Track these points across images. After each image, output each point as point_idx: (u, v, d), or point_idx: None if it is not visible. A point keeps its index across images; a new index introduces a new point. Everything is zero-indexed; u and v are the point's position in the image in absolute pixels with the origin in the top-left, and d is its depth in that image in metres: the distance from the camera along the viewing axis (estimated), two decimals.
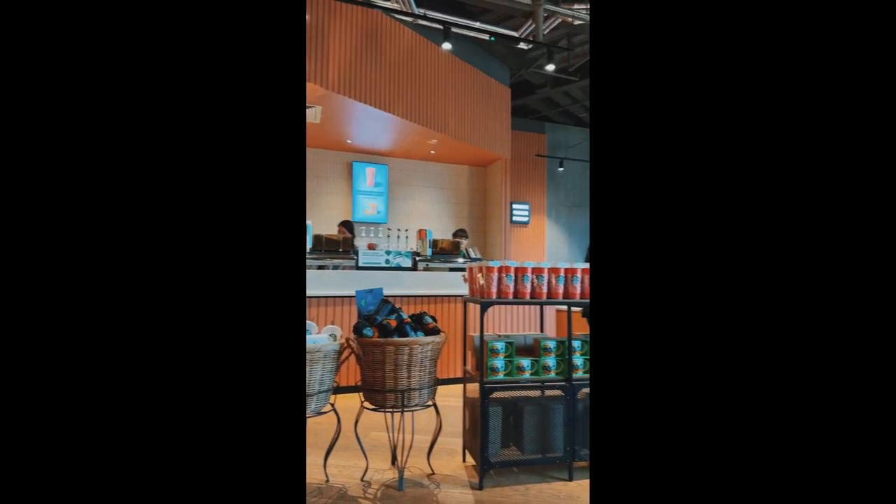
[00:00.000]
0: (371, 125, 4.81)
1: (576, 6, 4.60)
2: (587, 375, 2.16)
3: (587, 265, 2.21)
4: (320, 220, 5.60)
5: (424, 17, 4.39)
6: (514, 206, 7.12)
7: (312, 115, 4.51)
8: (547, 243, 7.54)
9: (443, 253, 4.76)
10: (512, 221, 7.03)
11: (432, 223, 6.03)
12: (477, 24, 4.79)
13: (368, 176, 5.86)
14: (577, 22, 4.69)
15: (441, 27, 4.15)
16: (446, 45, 4.19)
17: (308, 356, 1.75)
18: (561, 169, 7.64)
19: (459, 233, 5.40)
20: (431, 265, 4.60)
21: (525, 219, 7.28)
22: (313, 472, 2.05)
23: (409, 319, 2.06)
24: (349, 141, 5.39)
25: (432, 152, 5.71)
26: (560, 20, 4.75)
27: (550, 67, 4.84)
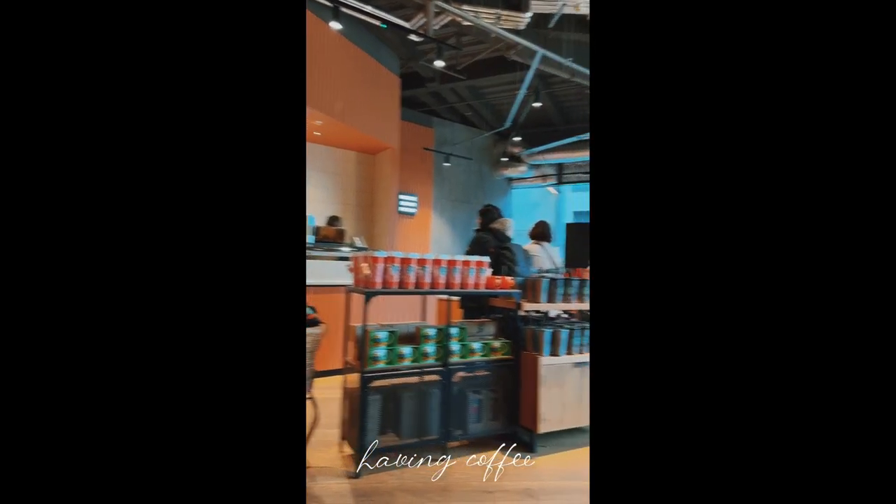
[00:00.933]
0: None
1: (465, 7, 4.77)
2: (463, 360, 2.31)
3: (469, 258, 2.35)
4: None
5: None
6: (402, 196, 7.17)
7: None
8: (432, 234, 7.76)
9: (326, 241, 4.59)
10: (399, 211, 7.07)
11: (317, 209, 5.75)
12: (368, 8, 4.68)
13: None
14: (465, 22, 4.87)
15: (330, 4, 3.95)
16: (335, 25, 4.00)
17: None
18: (447, 164, 7.90)
19: (333, 220, 5.23)
20: (314, 254, 4.40)
21: (412, 210, 7.39)
22: None
23: None
24: None
25: (317, 133, 5.43)
26: (450, 18, 4.89)
27: (440, 63, 4.95)
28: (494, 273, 2.61)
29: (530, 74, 5.58)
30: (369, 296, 2.08)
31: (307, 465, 2.07)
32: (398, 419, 2.20)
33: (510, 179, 9.62)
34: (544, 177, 9.58)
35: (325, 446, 2.29)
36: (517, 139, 8.23)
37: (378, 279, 2.10)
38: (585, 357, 2.45)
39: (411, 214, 7.41)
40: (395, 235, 6.00)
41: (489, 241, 2.96)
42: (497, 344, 2.42)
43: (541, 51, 4.88)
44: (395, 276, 2.14)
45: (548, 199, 9.91)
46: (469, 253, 2.88)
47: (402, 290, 2.17)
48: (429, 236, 7.69)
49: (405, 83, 6.43)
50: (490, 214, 3.14)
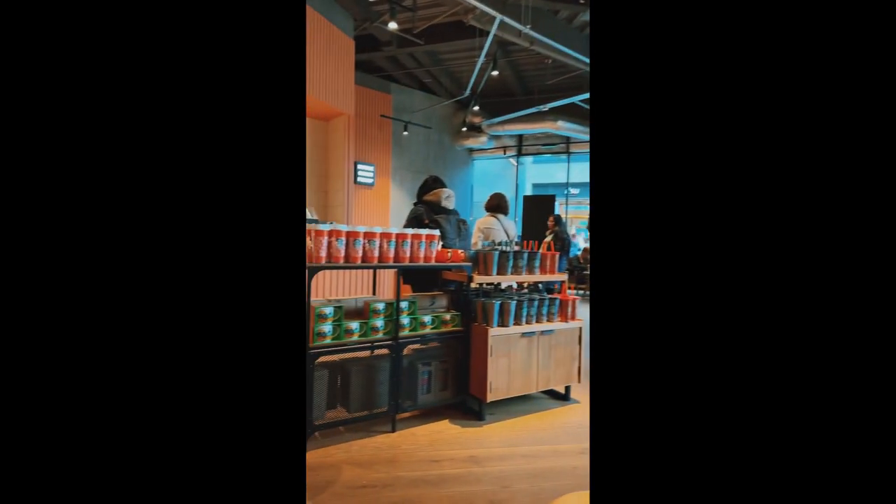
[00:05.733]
0: None
1: None
2: (412, 333, 2.31)
3: (419, 231, 2.31)
4: None
5: None
6: (359, 166, 6.96)
7: None
8: (392, 206, 7.63)
9: None
10: (356, 182, 6.87)
11: None
12: None
13: None
14: None
15: None
16: None
17: None
18: (405, 133, 7.70)
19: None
20: None
21: (370, 180, 7.19)
22: None
23: None
24: None
25: None
26: None
27: (393, 25, 4.73)
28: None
29: (489, 41, 5.44)
30: (312, 271, 2.01)
31: None
32: (346, 393, 2.19)
33: (471, 150, 9.53)
34: (504, 148, 9.55)
35: None
36: (476, 108, 8.10)
37: (322, 253, 2.03)
38: (532, 327, 2.52)
39: (369, 185, 7.22)
40: (352, 207, 5.84)
41: (422, 213, 2.91)
42: (448, 316, 2.43)
43: (499, 16, 4.75)
44: (340, 250, 2.07)
45: (509, 171, 9.93)
46: (406, 226, 2.84)
47: (348, 264, 2.11)
48: (388, 208, 7.55)
49: (360, 46, 6.12)
50: (425, 186, 3.08)
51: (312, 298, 2.07)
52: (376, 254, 2.18)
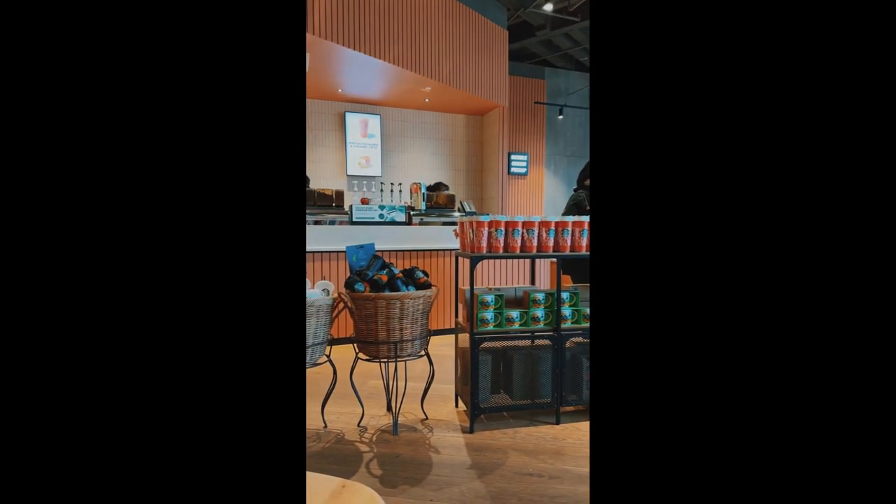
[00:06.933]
0: (361, 73, 4.62)
1: None
2: (575, 326, 2.22)
3: (580, 218, 2.20)
4: (313, 174, 5.51)
5: None
6: (512, 156, 6.98)
7: None
8: (545, 195, 7.47)
9: (438, 207, 4.73)
10: (510, 173, 6.92)
11: (427, 175, 5.93)
12: None
13: (361, 127, 5.69)
14: None
15: None
16: None
17: None
18: (560, 117, 7.41)
19: (439, 185, 5.24)
20: (426, 219, 4.59)
21: (523, 170, 7.16)
22: (312, 420, 2.15)
23: (400, 274, 2.09)
24: (340, 90, 5.20)
25: (427, 100, 5.51)
26: None
27: (549, 7, 4.57)
28: None
29: None
30: (474, 260, 2.09)
31: (425, 416, 2.24)
32: (510, 380, 2.23)
33: None
34: None
35: (441, 401, 2.45)
36: None
37: (483, 243, 2.10)
38: None
39: (522, 175, 7.19)
40: (507, 197, 5.90)
41: (583, 199, 2.71)
42: None
43: None
44: (500, 240, 2.11)
45: None
46: (565, 214, 2.69)
47: (507, 253, 2.13)
48: (542, 197, 7.41)
49: (513, 34, 6.10)
50: (586, 170, 2.87)
51: (475, 287, 2.16)
52: (535, 243, 2.15)
